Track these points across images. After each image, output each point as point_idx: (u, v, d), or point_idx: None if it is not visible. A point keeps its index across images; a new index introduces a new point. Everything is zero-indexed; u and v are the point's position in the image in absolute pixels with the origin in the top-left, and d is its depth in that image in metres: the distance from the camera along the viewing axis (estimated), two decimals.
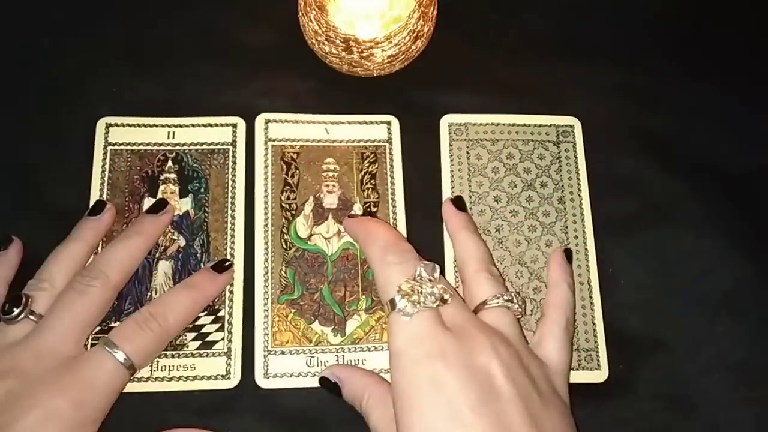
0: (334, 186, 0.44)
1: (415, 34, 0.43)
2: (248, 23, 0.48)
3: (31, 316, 0.36)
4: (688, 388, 0.42)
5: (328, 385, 0.38)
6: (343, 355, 0.40)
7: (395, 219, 0.44)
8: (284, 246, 0.42)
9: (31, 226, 0.42)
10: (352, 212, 0.43)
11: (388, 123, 0.46)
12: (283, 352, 0.40)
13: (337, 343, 0.41)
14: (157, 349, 0.38)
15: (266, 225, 0.43)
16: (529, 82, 0.48)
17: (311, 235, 0.43)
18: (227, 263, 0.41)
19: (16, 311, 0.36)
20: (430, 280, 0.34)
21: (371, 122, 0.46)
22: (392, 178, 0.44)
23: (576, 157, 0.46)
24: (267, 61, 0.47)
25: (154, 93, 0.45)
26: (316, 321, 0.41)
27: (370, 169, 0.45)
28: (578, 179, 0.45)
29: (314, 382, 0.40)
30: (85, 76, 0.45)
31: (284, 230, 0.43)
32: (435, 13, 0.44)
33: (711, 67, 0.49)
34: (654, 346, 0.42)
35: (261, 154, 0.44)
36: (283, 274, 0.42)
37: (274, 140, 0.45)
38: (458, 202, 0.42)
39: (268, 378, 0.40)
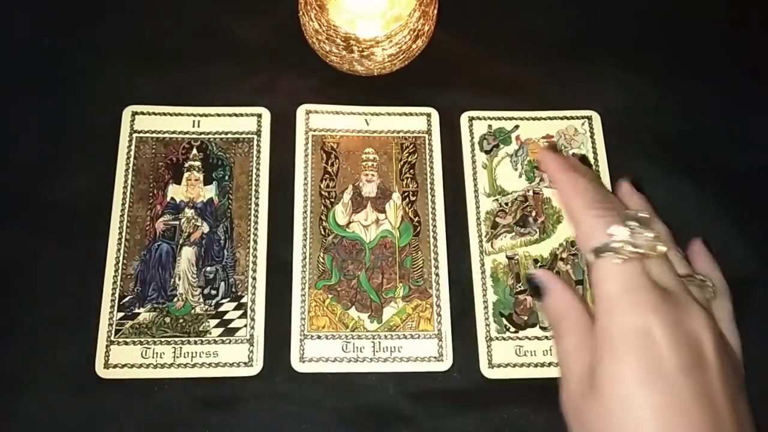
0: (373, 175, 0.44)
1: (415, 33, 0.44)
2: (249, 22, 0.48)
3: None
4: None
5: (532, 287, 0.36)
6: (380, 342, 0.40)
7: (434, 209, 0.44)
8: (322, 232, 0.43)
9: (44, 219, 0.42)
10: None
11: (428, 114, 0.46)
12: (319, 337, 0.40)
13: (374, 330, 0.41)
14: None
15: (305, 211, 0.43)
16: (530, 81, 0.47)
17: (350, 222, 0.43)
18: None
19: None
20: (642, 226, 0.32)
21: (411, 114, 0.46)
22: (431, 168, 0.45)
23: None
24: (268, 60, 0.47)
25: (154, 91, 0.46)
26: (353, 307, 0.41)
27: (409, 159, 0.45)
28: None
29: (349, 368, 0.40)
30: (85, 74, 0.46)
31: (323, 217, 0.43)
32: (435, 12, 0.45)
33: (714, 67, 0.48)
34: None
35: (302, 143, 0.45)
36: (321, 260, 0.42)
37: (314, 130, 0.45)
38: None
39: (303, 362, 0.40)
